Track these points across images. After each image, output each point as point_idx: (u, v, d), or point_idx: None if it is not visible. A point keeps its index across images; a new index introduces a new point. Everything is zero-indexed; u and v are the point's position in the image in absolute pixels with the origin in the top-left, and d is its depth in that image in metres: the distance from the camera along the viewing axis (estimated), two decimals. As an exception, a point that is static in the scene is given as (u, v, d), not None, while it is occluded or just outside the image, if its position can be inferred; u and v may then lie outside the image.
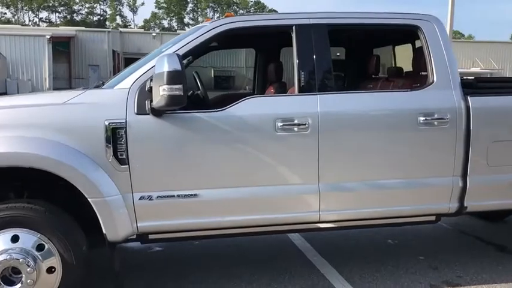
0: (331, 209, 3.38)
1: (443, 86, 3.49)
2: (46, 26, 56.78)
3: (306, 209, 3.34)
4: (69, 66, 31.56)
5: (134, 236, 3.21)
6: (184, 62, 3.46)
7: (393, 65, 4.86)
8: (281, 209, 3.30)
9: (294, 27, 3.40)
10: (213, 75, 24.72)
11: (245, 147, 3.20)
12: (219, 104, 3.31)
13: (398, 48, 4.90)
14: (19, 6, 69.55)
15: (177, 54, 2.92)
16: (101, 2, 73.87)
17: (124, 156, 3.02)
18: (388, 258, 4.19)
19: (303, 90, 3.34)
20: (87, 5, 72.68)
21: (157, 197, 3.11)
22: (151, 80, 3.00)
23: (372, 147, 3.39)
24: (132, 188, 3.07)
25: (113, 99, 3.10)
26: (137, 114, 3.06)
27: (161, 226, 3.18)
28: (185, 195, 3.14)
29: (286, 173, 3.27)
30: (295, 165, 3.28)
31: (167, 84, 2.82)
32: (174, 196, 3.13)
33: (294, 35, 3.40)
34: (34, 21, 70.11)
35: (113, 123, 3.01)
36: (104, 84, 3.45)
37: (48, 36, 27.28)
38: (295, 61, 3.37)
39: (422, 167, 3.46)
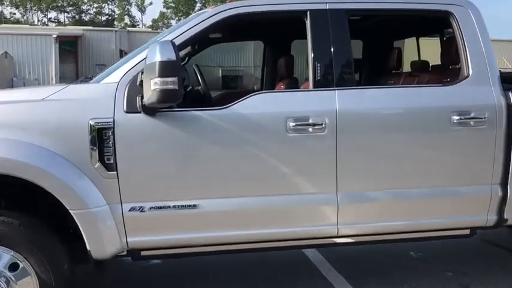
0: (351, 222, 2.94)
1: (480, 81, 3.03)
2: (55, 26, 56.88)
3: (322, 222, 2.91)
4: (76, 65, 31.36)
5: (124, 252, 2.80)
6: (183, 53, 3.07)
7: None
8: (293, 222, 2.87)
9: (308, 13, 2.96)
10: (220, 75, 24.40)
11: (252, 151, 2.77)
12: (223, 102, 2.89)
13: (408, 42, 4.47)
14: (28, 6, 69.83)
15: (172, 42, 2.50)
16: (109, 2, 73.83)
17: (112, 161, 2.61)
18: (411, 274, 3.73)
19: (318, 85, 2.90)
20: (95, 5, 72.78)
21: (151, 208, 2.69)
22: (142, 73, 2.58)
23: (398, 151, 2.95)
24: (121, 197, 2.66)
25: (99, 95, 2.69)
26: (127, 112, 2.65)
27: (155, 241, 2.76)
28: (183, 206, 2.72)
29: (299, 180, 2.84)
30: (309, 172, 2.85)
31: (159, 76, 2.40)
32: (169, 207, 2.71)
33: (308, 22, 2.96)
34: (43, 21, 70.37)
35: (98, 122, 2.60)
36: (92, 79, 3.04)
37: (55, 36, 27.13)
38: (310, 52, 2.93)
39: (456, 173, 3.02)
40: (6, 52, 25.33)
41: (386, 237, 3.08)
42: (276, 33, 4.31)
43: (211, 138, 2.73)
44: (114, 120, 2.62)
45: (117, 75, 2.74)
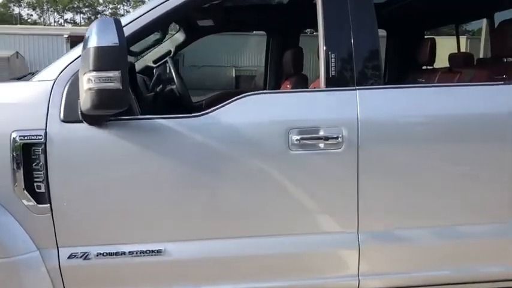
0: (377, 271, 2.15)
1: (556, 77, 2.22)
2: (71, 27, 57.25)
3: (338, 271, 2.12)
4: (88, 65, 31.21)
5: (66, 312, 2.06)
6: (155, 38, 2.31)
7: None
8: (297, 272, 2.09)
9: None
10: (234, 75, 23.77)
11: (239, 175, 2.00)
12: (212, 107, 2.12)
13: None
14: (45, 7, 70.49)
15: (116, 20, 1.75)
16: (124, 3, 74.14)
17: (43, 190, 1.88)
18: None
19: (333, 83, 2.10)
20: (110, 6, 73.13)
21: (98, 254, 1.96)
22: (82, 67, 1.83)
23: (441, 174, 2.14)
24: (56, 240, 1.93)
25: (27, 98, 1.96)
26: (65, 121, 1.91)
27: (105, 300, 2.01)
28: (143, 252, 1.98)
29: (305, 215, 2.06)
30: (319, 203, 2.07)
31: (94, 69, 1.65)
32: (124, 253, 1.97)
33: (319, 3, 2.16)
34: (59, 22, 71.00)
35: (24, 136, 1.87)
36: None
37: (66, 36, 26.92)
38: (322, 41, 2.14)
39: (522, 204, 2.21)
40: (17, 52, 25.14)
41: (423, 290, 2.29)
42: (281, 21, 3.52)
43: (183, 158, 1.98)
44: (46, 132, 1.88)
45: (54, 71, 2.00)
